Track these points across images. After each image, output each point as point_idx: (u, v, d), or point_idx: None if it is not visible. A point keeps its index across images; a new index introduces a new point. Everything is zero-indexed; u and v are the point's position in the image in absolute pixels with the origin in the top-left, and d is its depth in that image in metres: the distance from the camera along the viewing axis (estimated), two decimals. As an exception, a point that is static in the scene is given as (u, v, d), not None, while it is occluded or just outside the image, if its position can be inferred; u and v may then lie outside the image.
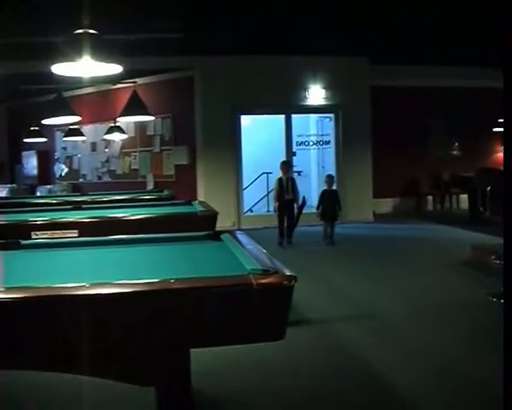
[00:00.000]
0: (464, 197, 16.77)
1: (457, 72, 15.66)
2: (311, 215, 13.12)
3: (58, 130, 17.64)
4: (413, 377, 5.27)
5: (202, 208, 7.84)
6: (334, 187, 13.10)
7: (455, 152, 18.23)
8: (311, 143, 16.63)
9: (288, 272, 3.39)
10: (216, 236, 4.98)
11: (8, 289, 3.21)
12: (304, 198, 12.52)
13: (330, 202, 12.48)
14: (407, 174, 17.39)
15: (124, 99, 13.26)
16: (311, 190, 17.40)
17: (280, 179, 12.36)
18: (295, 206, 12.34)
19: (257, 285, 3.21)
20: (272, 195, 12.66)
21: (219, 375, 5.34)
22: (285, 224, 12.41)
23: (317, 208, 12.61)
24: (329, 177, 13.00)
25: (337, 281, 9.13)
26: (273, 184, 12.82)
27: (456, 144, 18.23)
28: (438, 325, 6.80)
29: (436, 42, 12.72)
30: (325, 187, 12.82)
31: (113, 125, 14.37)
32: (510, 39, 2.64)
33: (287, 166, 12.69)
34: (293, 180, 12.47)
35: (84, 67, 5.46)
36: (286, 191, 12.23)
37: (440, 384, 5.06)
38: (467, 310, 7.24)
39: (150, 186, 15.58)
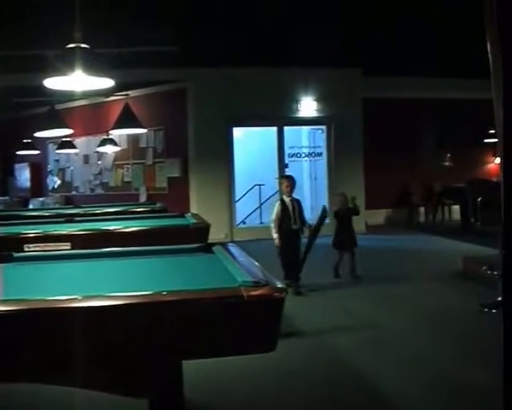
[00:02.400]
0: (456, 208, 16.83)
1: (449, 83, 15.72)
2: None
3: (51, 142, 17.65)
4: (406, 385, 5.29)
5: (195, 221, 7.86)
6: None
7: (446, 163, 18.27)
8: (303, 155, 16.64)
9: (279, 284, 3.41)
10: (208, 248, 5.00)
11: (1, 302, 3.22)
12: (324, 208, 9.82)
13: (347, 225, 9.97)
14: (399, 185, 17.45)
15: (116, 111, 13.28)
16: (304, 201, 17.42)
17: (282, 202, 9.26)
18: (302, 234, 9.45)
19: (247, 297, 3.23)
20: (272, 222, 9.28)
21: (212, 385, 5.35)
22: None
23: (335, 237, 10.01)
24: (343, 195, 10.33)
25: (330, 292, 9.13)
26: (274, 208, 9.42)
27: (448, 155, 18.28)
28: (430, 334, 6.82)
29: (428, 54, 12.77)
30: (338, 206, 10.23)
31: (105, 137, 14.37)
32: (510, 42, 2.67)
33: (290, 182, 9.43)
34: (299, 203, 9.36)
35: (77, 81, 5.49)
36: (292, 219, 9.17)
37: (433, 392, 5.08)
38: (459, 320, 7.26)
39: (143, 198, 15.58)
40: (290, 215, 9.14)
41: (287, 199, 9.26)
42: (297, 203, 9.31)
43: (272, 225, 9.26)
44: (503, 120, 2.73)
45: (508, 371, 2.76)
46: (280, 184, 9.93)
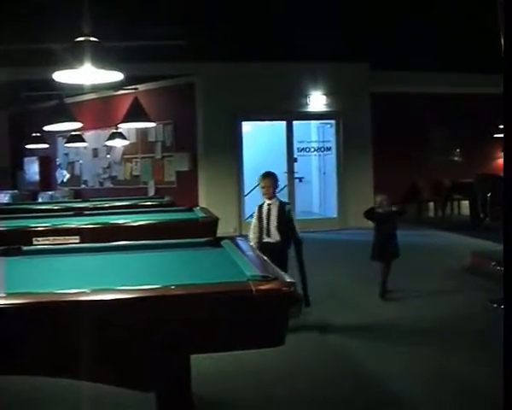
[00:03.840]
0: (465, 203, 16.77)
1: (458, 78, 15.66)
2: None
3: (60, 136, 17.66)
4: (413, 382, 5.28)
5: (203, 215, 7.85)
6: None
7: (456, 158, 18.22)
8: (312, 150, 16.63)
9: (287, 279, 3.40)
10: (216, 242, 4.99)
11: (10, 295, 3.23)
12: (298, 239, 7.36)
13: (390, 232, 8.42)
14: (408, 180, 17.38)
15: (125, 105, 13.30)
16: (312, 196, 17.45)
17: (259, 208, 7.52)
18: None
19: (256, 292, 3.23)
20: (250, 234, 7.52)
21: (219, 380, 5.36)
22: None
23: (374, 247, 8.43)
24: (383, 196, 8.91)
25: (337, 287, 9.12)
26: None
27: (457, 150, 18.22)
28: (438, 330, 6.81)
29: (437, 48, 12.73)
30: (379, 209, 8.71)
31: (114, 131, 14.39)
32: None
33: (267, 181, 7.57)
34: (282, 208, 7.36)
35: (86, 75, 5.49)
36: (265, 229, 7.32)
37: (440, 390, 5.07)
38: (467, 316, 7.25)
39: (151, 192, 15.59)
40: (263, 225, 7.32)
41: (265, 203, 7.45)
42: (279, 208, 7.32)
43: (250, 236, 7.44)
44: (504, 119, 2.72)
45: (508, 371, 2.75)
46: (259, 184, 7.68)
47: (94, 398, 4.38)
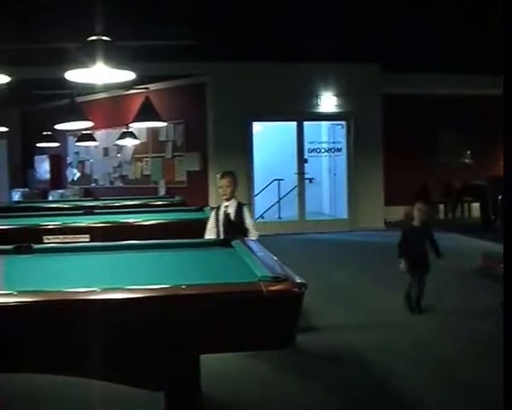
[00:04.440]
0: (476, 206, 16.71)
1: (469, 79, 15.62)
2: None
3: (70, 135, 17.72)
4: (424, 385, 5.26)
5: (213, 215, 7.84)
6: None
7: (466, 160, 18.16)
8: (323, 151, 16.62)
9: (298, 280, 3.40)
10: (227, 242, 4.99)
11: (20, 294, 3.23)
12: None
13: (420, 246, 7.81)
14: (418, 182, 17.33)
15: (136, 105, 13.33)
16: (322, 197, 17.43)
17: (217, 210, 6.93)
18: None
19: (267, 292, 3.22)
20: None
21: (228, 380, 5.35)
22: None
23: (399, 256, 7.71)
24: (419, 206, 7.92)
25: (348, 288, 9.11)
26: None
27: (468, 152, 18.17)
28: (448, 332, 6.79)
29: (447, 49, 12.70)
30: (414, 222, 7.90)
31: (125, 130, 14.43)
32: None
33: (224, 181, 6.88)
34: (240, 210, 6.82)
35: (98, 74, 5.50)
36: (222, 232, 6.71)
37: (450, 393, 5.06)
38: (478, 318, 7.22)
39: (162, 192, 15.61)
40: (219, 228, 6.74)
41: (222, 205, 6.87)
42: (236, 210, 6.78)
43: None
44: (504, 121, 2.71)
45: (508, 371, 2.74)
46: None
47: (103, 397, 4.39)
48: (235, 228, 6.56)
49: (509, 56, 2.68)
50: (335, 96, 15.32)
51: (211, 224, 6.80)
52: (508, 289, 2.80)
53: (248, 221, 6.78)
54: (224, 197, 6.78)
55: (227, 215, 6.72)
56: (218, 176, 7.01)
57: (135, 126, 13.97)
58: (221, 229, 6.69)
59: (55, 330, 3.20)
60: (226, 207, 6.76)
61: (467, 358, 5.97)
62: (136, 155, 16.73)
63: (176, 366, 3.34)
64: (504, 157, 2.78)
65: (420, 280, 7.65)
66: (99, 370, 3.27)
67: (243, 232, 6.55)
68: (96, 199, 12.58)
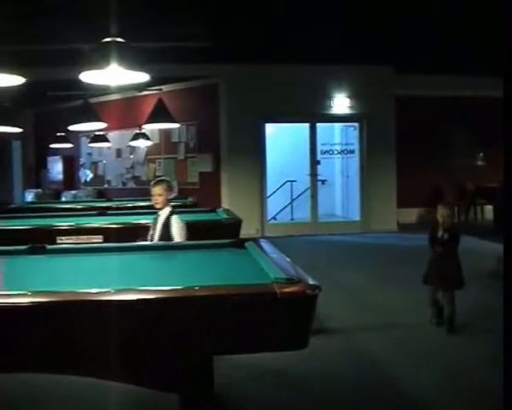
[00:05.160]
0: (489, 208, 16.66)
1: (482, 81, 15.56)
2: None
3: (84, 136, 17.78)
4: (439, 388, 5.25)
5: (227, 216, 7.86)
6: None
7: (479, 162, 18.10)
8: (336, 152, 16.59)
9: (311, 281, 3.39)
10: (240, 244, 4.98)
11: (34, 294, 3.24)
12: None
13: (450, 254, 7.06)
14: (431, 184, 17.28)
15: (149, 106, 13.34)
16: (335, 199, 17.41)
17: (154, 220, 6.60)
18: None
19: (281, 294, 3.22)
20: None
21: (242, 381, 5.35)
22: None
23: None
24: (442, 211, 6.97)
25: (361, 290, 9.10)
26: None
27: (481, 155, 18.11)
28: (461, 336, 6.76)
29: (462, 51, 12.66)
30: (440, 230, 6.99)
31: (138, 131, 14.44)
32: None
33: (157, 187, 6.49)
34: (168, 219, 6.36)
35: (112, 75, 5.50)
36: (149, 240, 6.40)
37: (462, 396, 5.04)
38: (491, 321, 7.18)
39: (174, 193, 15.60)
40: (149, 236, 6.47)
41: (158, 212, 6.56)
42: (166, 218, 6.37)
43: None
44: (504, 122, 2.71)
45: (508, 371, 2.74)
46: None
47: (117, 399, 4.40)
48: (160, 237, 6.25)
49: (510, 56, 2.68)
50: (348, 97, 15.30)
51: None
52: (508, 289, 2.79)
53: (175, 232, 6.27)
54: (157, 206, 6.47)
55: (155, 224, 6.45)
56: (151, 183, 6.66)
57: (148, 128, 13.98)
58: (149, 236, 6.40)
59: (69, 331, 3.21)
60: (159, 215, 6.47)
61: (482, 360, 5.94)
62: (149, 157, 16.76)
63: (189, 367, 3.34)
64: (505, 157, 2.77)
65: (451, 295, 6.90)
66: (112, 371, 3.27)
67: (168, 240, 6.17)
68: (109, 200, 12.61)
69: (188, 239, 6.08)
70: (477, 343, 6.47)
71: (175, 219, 6.33)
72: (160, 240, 6.14)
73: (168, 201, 6.47)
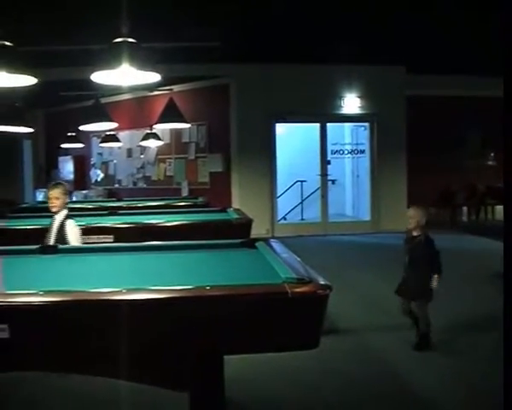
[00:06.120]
0: (500, 208, 16.59)
1: (493, 81, 15.50)
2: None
3: (94, 136, 17.83)
4: (446, 388, 5.25)
5: (237, 216, 7.87)
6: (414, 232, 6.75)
7: (490, 162, 18.05)
8: (346, 152, 16.57)
9: (322, 281, 3.39)
10: (251, 243, 4.99)
11: (46, 293, 3.26)
12: None
13: (419, 263, 6.60)
14: (442, 184, 17.24)
15: (160, 106, 13.36)
16: (345, 198, 17.38)
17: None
18: None
19: (292, 294, 3.22)
20: None
21: (250, 382, 5.36)
22: None
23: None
24: (411, 212, 6.77)
25: (371, 290, 9.09)
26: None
27: (492, 155, 18.05)
28: (471, 337, 6.75)
29: (473, 51, 12.62)
30: (413, 233, 6.70)
31: (149, 131, 14.47)
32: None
33: (54, 190, 6.38)
34: (62, 224, 6.25)
35: (123, 75, 5.52)
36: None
37: (471, 396, 5.03)
38: (501, 322, 7.17)
39: (185, 193, 15.63)
40: (45, 240, 6.20)
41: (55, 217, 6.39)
42: (60, 223, 6.27)
43: None
44: (504, 122, 2.71)
45: (508, 371, 2.74)
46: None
47: (128, 399, 4.41)
48: (54, 241, 6.06)
49: (509, 57, 2.69)
50: (359, 97, 15.29)
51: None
52: (508, 289, 2.80)
53: (70, 236, 6.16)
54: (53, 210, 6.33)
55: (51, 227, 6.32)
56: (48, 187, 6.61)
57: (158, 128, 14.00)
58: (46, 241, 6.13)
59: (81, 330, 3.22)
60: (54, 219, 6.35)
61: (492, 361, 5.93)
62: (160, 156, 16.79)
63: (200, 367, 3.35)
64: (505, 157, 2.77)
65: (419, 304, 6.44)
66: (124, 370, 3.28)
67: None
68: (120, 200, 12.64)
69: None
70: (484, 343, 6.45)
71: (69, 224, 6.24)
72: (56, 242, 5.94)
73: (65, 204, 6.39)
